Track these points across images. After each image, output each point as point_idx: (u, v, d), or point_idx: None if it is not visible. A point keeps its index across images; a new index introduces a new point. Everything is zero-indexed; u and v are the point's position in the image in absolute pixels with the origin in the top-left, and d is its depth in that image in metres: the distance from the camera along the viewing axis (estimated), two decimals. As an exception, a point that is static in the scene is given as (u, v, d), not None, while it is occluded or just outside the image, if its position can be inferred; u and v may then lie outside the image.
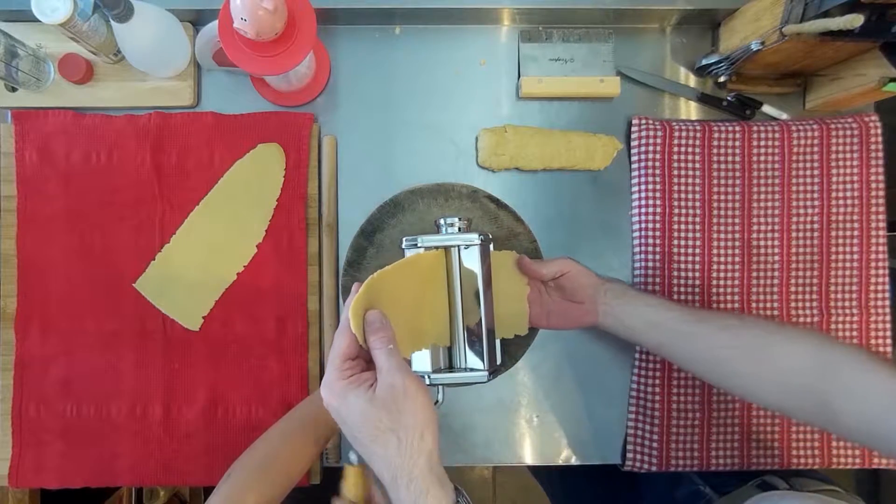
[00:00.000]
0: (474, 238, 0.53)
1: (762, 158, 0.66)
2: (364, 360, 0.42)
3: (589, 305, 0.57)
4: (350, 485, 0.49)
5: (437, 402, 0.57)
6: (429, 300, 0.52)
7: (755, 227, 0.66)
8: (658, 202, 0.65)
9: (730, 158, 0.66)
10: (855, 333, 0.65)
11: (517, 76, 0.68)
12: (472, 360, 0.53)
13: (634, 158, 0.67)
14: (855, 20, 0.48)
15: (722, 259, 0.65)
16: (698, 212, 0.65)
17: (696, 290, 0.65)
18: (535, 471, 0.94)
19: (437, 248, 0.53)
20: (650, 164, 0.65)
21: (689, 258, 0.65)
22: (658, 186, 0.65)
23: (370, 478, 0.49)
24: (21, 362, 0.64)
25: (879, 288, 0.65)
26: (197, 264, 0.64)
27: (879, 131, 0.65)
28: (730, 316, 0.56)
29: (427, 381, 0.51)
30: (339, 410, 0.39)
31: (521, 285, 0.59)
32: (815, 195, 0.66)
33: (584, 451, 0.67)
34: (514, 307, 0.59)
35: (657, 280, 0.65)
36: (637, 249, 0.66)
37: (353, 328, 0.40)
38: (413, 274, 0.51)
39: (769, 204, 0.66)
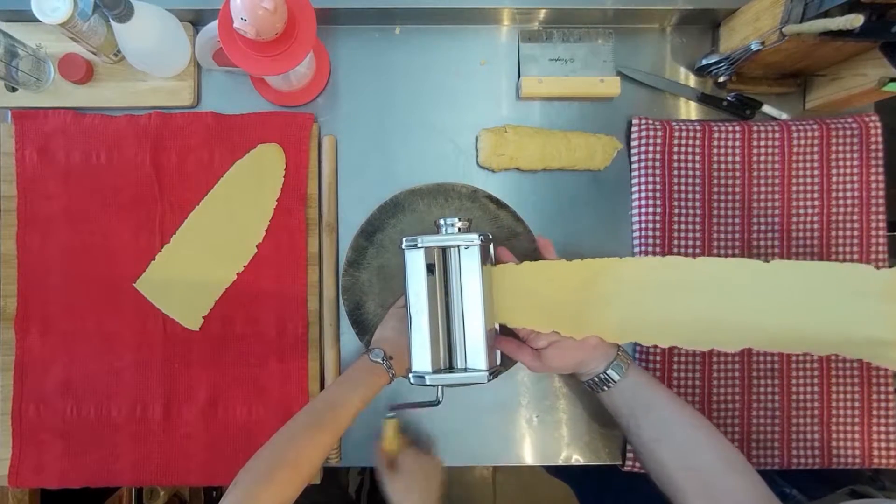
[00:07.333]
0: (474, 238, 0.53)
1: (762, 158, 0.66)
2: None
3: None
4: (388, 437, 0.57)
5: (438, 401, 0.57)
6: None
7: (755, 227, 0.66)
8: (658, 202, 0.65)
9: (730, 158, 0.66)
10: (855, 333, 0.65)
11: (517, 76, 0.68)
12: (472, 361, 0.53)
13: (634, 158, 0.67)
14: (855, 20, 0.48)
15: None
16: (698, 212, 0.65)
17: (697, 290, 0.65)
18: (568, 472, 0.87)
19: (436, 248, 0.53)
20: (650, 164, 0.65)
21: (690, 258, 0.65)
22: (658, 186, 0.65)
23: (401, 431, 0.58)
24: (21, 362, 0.64)
25: (879, 288, 0.65)
26: (197, 264, 0.64)
27: (879, 131, 0.65)
28: None
29: (427, 382, 0.51)
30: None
31: None
32: (815, 195, 0.66)
33: (585, 451, 0.67)
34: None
35: (657, 280, 0.65)
36: (637, 249, 0.66)
37: None
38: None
39: (769, 204, 0.66)
